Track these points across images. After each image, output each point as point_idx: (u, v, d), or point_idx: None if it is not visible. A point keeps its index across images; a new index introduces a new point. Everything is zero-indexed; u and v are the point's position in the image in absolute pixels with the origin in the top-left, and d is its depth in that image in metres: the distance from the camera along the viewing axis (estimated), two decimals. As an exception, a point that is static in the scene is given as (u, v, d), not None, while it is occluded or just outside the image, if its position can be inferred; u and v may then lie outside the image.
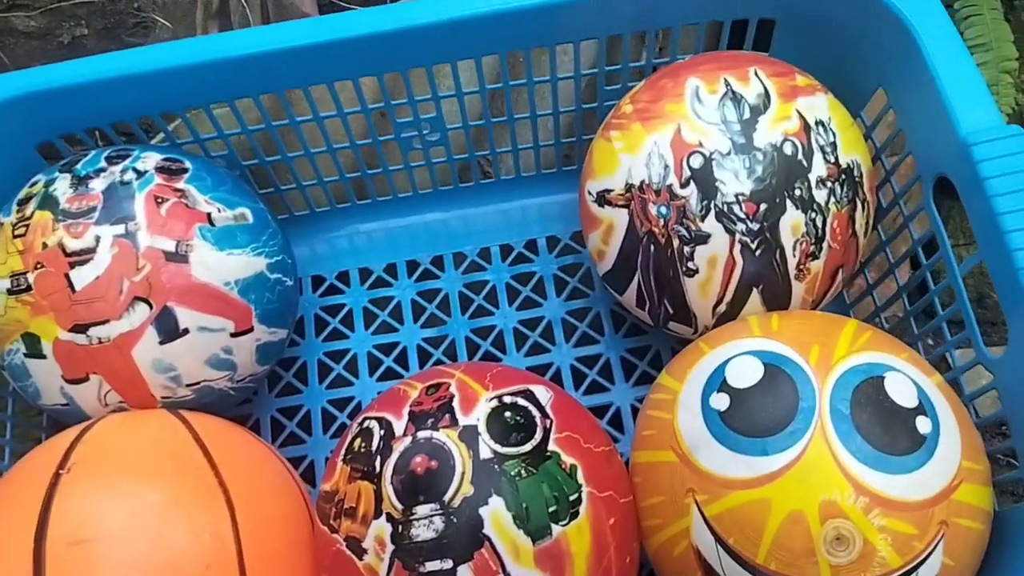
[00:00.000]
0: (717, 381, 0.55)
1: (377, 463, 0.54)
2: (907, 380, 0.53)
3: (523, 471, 0.52)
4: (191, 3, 0.90)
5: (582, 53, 0.72)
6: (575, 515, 0.53)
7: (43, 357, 0.60)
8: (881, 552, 0.48)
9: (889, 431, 0.50)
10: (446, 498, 0.51)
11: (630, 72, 0.75)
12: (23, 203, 0.62)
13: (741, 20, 0.72)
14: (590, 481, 0.54)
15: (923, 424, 0.51)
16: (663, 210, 0.61)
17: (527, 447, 0.54)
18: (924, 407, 0.52)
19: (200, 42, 0.68)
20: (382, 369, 0.79)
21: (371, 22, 0.66)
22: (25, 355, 0.60)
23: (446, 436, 0.53)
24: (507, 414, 0.55)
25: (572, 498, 0.53)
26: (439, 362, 0.79)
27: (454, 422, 0.54)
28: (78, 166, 0.64)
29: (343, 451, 0.58)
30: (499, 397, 0.56)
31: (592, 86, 0.77)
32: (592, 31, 0.70)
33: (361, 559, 0.52)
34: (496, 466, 0.52)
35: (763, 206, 0.59)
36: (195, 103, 0.69)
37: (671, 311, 0.65)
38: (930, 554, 0.49)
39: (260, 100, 0.70)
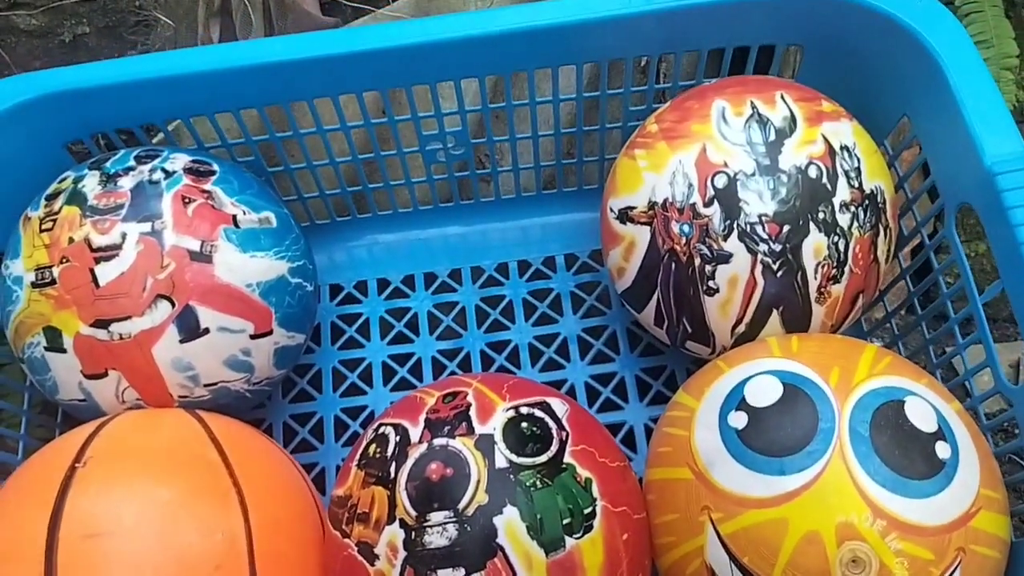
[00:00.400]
0: (736, 399, 0.55)
1: (392, 469, 0.54)
2: (927, 405, 0.53)
3: (538, 482, 0.52)
4: (193, 1, 0.90)
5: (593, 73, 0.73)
6: (589, 528, 0.52)
7: (63, 351, 0.60)
8: (897, 576, 0.48)
9: (908, 455, 0.50)
10: (460, 506, 0.51)
11: (654, 94, 0.76)
12: (51, 198, 0.63)
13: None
14: (605, 495, 0.54)
15: (942, 449, 0.51)
16: (686, 228, 0.61)
17: (543, 458, 0.54)
18: (943, 432, 0.52)
19: (231, 48, 0.69)
20: (396, 379, 0.79)
21: (404, 35, 0.67)
22: (46, 348, 0.61)
23: (462, 444, 0.53)
24: (523, 424, 0.55)
25: (587, 511, 0.53)
26: (453, 374, 0.79)
27: (470, 430, 0.54)
28: (107, 164, 0.64)
29: (358, 456, 0.58)
30: (516, 407, 0.56)
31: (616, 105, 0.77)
32: (621, 52, 0.70)
33: (372, 565, 0.52)
34: (511, 476, 0.52)
35: (786, 227, 0.59)
36: (224, 107, 0.70)
37: (690, 330, 0.65)
38: (947, 581, 0.49)
39: (289, 107, 0.71)
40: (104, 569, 0.50)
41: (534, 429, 0.55)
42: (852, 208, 0.61)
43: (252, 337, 0.64)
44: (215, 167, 0.66)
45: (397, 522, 0.52)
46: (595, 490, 0.54)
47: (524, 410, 0.56)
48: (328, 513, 0.58)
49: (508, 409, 0.56)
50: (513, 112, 0.76)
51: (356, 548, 0.53)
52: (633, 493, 0.57)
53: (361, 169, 0.80)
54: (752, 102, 0.63)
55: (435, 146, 0.79)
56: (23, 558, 0.50)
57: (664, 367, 0.78)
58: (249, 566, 0.53)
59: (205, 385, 0.63)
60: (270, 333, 0.65)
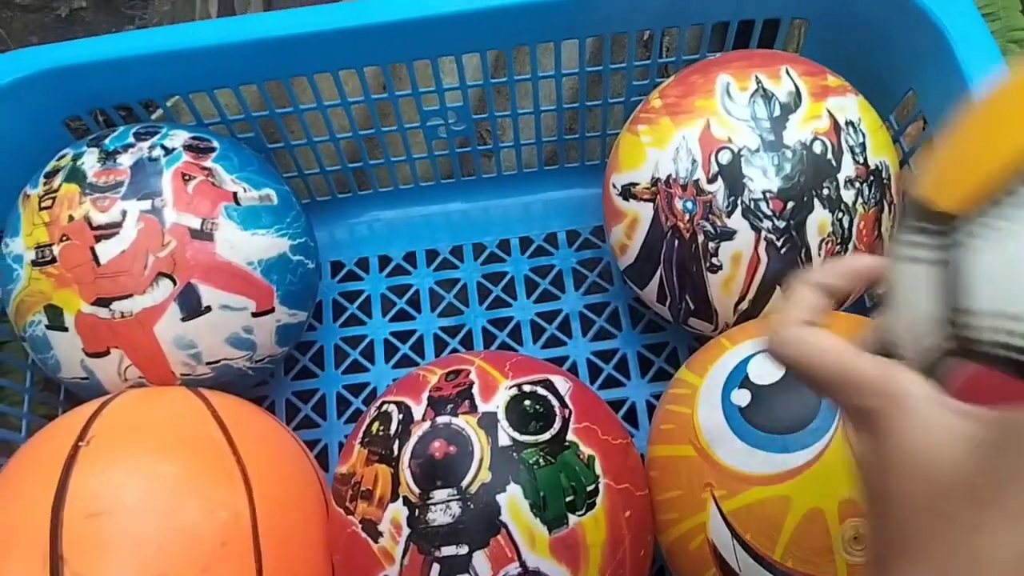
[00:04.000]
0: (739, 377, 0.55)
1: (395, 447, 0.54)
2: (930, 383, 0.53)
3: (541, 460, 0.52)
4: (190, -25, 0.90)
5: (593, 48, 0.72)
6: (592, 506, 0.53)
7: (65, 330, 0.60)
8: (900, 553, 0.48)
9: (911, 432, 0.50)
10: (464, 483, 0.51)
11: (657, 69, 0.75)
12: (50, 176, 0.62)
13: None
14: (607, 472, 0.54)
15: (945, 427, 0.51)
16: (689, 205, 0.61)
17: (546, 436, 0.54)
18: (947, 410, 0.52)
19: (231, 23, 0.68)
20: (398, 356, 0.79)
21: (404, 9, 0.66)
22: (47, 327, 0.61)
23: (465, 422, 0.53)
24: (526, 402, 0.55)
25: (589, 489, 0.53)
26: (455, 351, 0.79)
27: (473, 408, 0.54)
28: (106, 141, 0.64)
29: (361, 434, 0.58)
30: (519, 385, 0.56)
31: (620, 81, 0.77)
32: (623, 26, 0.70)
33: (376, 542, 0.52)
34: (514, 454, 0.52)
35: (790, 204, 0.59)
36: (224, 83, 0.69)
37: (692, 307, 0.65)
38: (949, 557, 0.49)
39: (289, 83, 0.70)
40: (109, 548, 0.50)
41: (537, 407, 0.55)
42: (857, 184, 0.60)
43: (254, 315, 0.64)
44: (215, 144, 0.66)
45: (401, 500, 0.52)
46: (598, 467, 0.54)
47: (527, 388, 0.56)
48: (332, 491, 0.58)
49: (511, 387, 0.55)
50: (515, 87, 0.75)
51: (360, 525, 0.53)
52: (635, 470, 0.57)
53: (362, 145, 0.79)
54: (757, 76, 0.62)
55: (436, 122, 0.78)
56: (28, 538, 0.50)
57: (666, 344, 0.78)
58: (253, 544, 0.53)
59: (207, 363, 0.63)
60: (272, 311, 0.65)
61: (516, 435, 0.53)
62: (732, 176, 0.60)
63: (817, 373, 0.32)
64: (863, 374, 0.30)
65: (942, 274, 0.28)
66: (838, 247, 0.61)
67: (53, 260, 0.60)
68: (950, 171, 0.30)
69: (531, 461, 0.52)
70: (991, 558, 0.25)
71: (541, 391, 0.56)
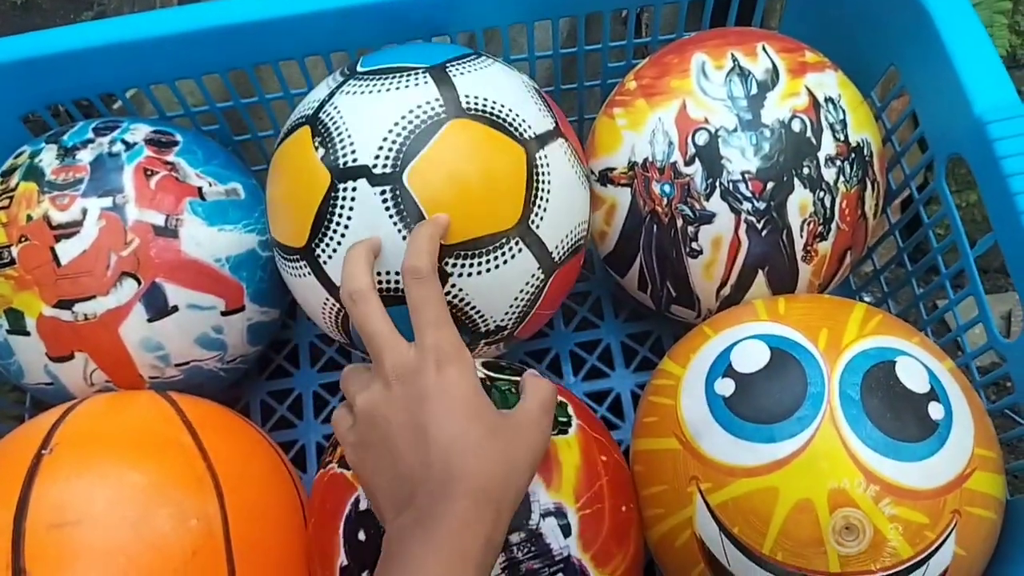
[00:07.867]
0: (722, 366, 0.53)
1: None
2: (919, 365, 0.51)
3: (513, 388, 0.53)
4: (148, -38, 0.87)
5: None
6: (564, 431, 0.53)
7: (27, 334, 0.58)
8: (892, 542, 0.47)
9: (900, 417, 0.49)
10: None
11: (633, 50, 0.73)
12: (7, 174, 0.60)
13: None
14: (581, 418, 0.55)
15: (935, 410, 0.50)
16: (667, 188, 0.59)
17: (517, 378, 0.54)
18: (936, 393, 0.50)
19: (191, 10, 0.66)
20: (377, 351, 0.77)
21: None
22: (8, 332, 0.59)
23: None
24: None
25: (561, 420, 0.54)
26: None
27: None
28: (65, 137, 0.62)
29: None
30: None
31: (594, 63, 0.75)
32: (599, 4, 0.68)
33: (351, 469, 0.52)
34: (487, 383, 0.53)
35: (770, 184, 0.57)
36: (186, 73, 0.67)
37: (673, 294, 0.64)
38: (942, 544, 0.48)
39: (254, 72, 0.68)
40: (74, 559, 0.48)
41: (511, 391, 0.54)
42: (838, 162, 0.59)
43: (223, 314, 0.62)
44: (178, 137, 0.64)
45: None
46: (570, 410, 0.55)
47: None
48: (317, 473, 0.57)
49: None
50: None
51: (337, 464, 0.54)
52: (611, 443, 0.57)
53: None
54: (733, 54, 0.60)
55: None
56: (-12, 551, 0.48)
57: (650, 332, 0.77)
58: (226, 552, 0.51)
59: (176, 365, 0.61)
60: (242, 309, 0.63)
61: (488, 372, 0.55)
62: (710, 157, 0.58)
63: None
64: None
65: None
66: (820, 227, 0.59)
67: (12, 262, 0.58)
68: None
69: (503, 389, 0.53)
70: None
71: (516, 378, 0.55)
